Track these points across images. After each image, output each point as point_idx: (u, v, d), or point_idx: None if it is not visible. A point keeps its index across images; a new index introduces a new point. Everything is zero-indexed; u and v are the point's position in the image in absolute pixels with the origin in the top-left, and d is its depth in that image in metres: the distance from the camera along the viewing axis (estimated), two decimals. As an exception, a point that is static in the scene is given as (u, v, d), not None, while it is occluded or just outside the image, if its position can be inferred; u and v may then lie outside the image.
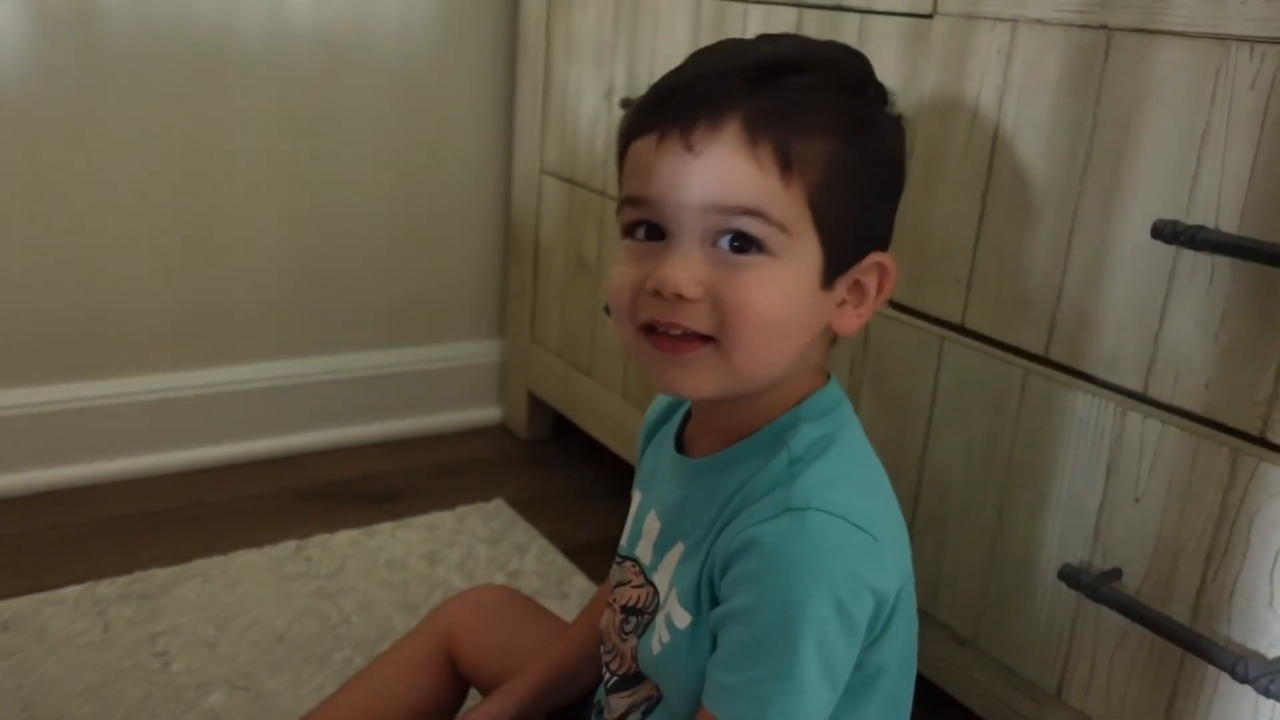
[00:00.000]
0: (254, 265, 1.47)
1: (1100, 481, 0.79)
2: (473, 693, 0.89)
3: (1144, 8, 0.73)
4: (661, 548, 0.70)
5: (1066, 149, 0.79)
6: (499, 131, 1.58)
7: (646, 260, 0.62)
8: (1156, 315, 0.74)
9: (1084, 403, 0.79)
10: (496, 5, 1.53)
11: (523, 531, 1.35)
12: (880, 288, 0.65)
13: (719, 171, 0.59)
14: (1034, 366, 0.83)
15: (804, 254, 0.61)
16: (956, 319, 0.90)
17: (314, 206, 1.48)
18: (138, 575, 1.19)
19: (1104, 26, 0.76)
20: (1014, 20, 0.82)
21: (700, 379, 0.62)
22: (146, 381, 1.43)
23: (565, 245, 1.46)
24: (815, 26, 1.00)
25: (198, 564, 1.22)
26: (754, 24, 1.07)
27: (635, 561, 0.72)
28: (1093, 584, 0.76)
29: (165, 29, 1.32)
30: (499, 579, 1.24)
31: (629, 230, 0.63)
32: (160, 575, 1.20)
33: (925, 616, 0.95)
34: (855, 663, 0.61)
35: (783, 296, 0.60)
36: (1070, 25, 0.78)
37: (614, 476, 1.43)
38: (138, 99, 1.33)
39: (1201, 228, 0.69)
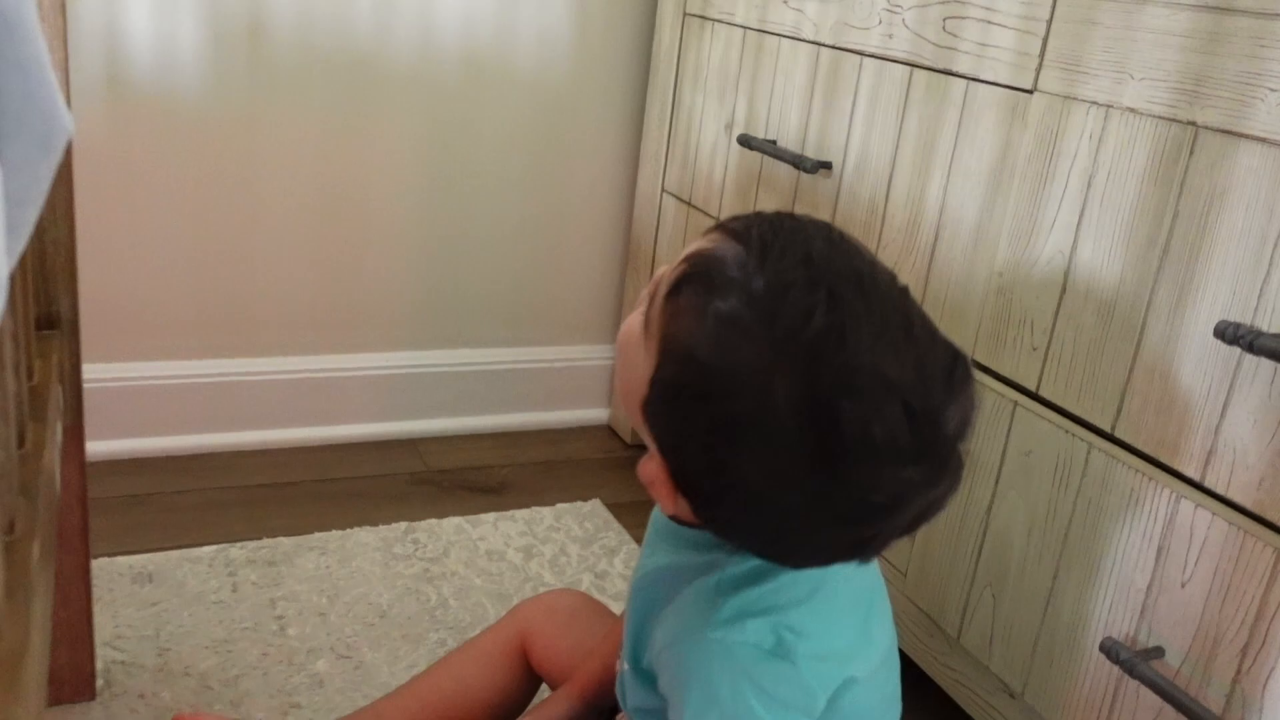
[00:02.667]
0: (392, 263, 1.58)
1: (1150, 561, 0.81)
2: (543, 687, 0.97)
3: (1230, 110, 0.75)
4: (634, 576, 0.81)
5: (1145, 237, 0.82)
6: (626, 149, 1.66)
7: None
8: (1218, 409, 0.76)
9: (1142, 483, 0.82)
10: (631, 32, 1.60)
11: (615, 534, 1.43)
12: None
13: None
14: (1098, 441, 0.86)
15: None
16: (1031, 385, 0.93)
17: (450, 212, 1.59)
18: (265, 542, 1.32)
19: (1191, 123, 0.78)
20: (1108, 106, 0.84)
21: None
22: (289, 362, 1.56)
23: (679, 264, 1.52)
24: (924, 86, 1.04)
25: (318, 536, 1.34)
26: (867, 77, 1.11)
27: None
28: (1130, 660, 0.79)
29: (324, 44, 1.44)
30: (586, 578, 1.32)
31: None
32: (284, 544, 1.32)
33: (980, 666, 0.99)
34: None
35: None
36: (1160, 118, 0.80)
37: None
38: (297, 107, 1.46)
39: (1260, 333, 0.71)
